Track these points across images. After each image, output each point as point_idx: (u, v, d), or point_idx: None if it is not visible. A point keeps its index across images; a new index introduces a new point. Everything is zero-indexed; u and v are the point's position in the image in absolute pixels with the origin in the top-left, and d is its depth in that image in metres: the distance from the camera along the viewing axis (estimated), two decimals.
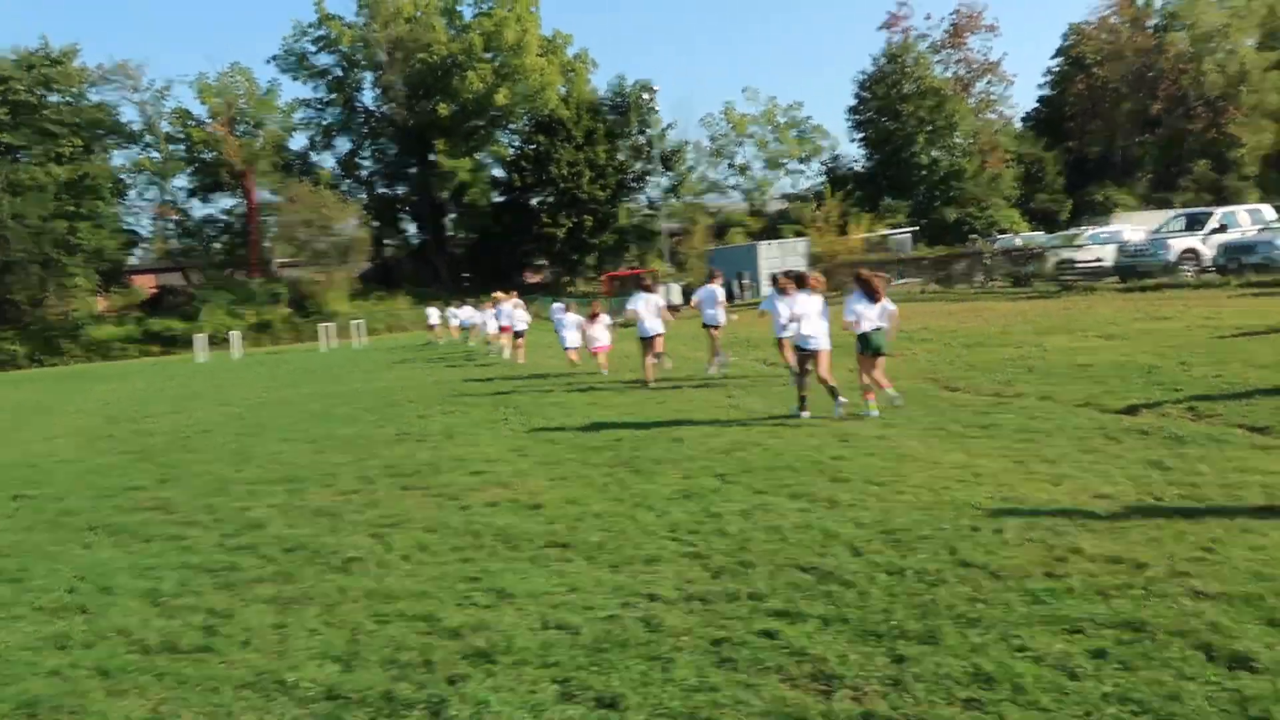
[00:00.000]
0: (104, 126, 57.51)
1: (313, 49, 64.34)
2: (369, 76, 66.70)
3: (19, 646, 5.18)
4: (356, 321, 43.87)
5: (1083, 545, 5.26)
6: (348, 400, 17.13)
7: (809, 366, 10.63)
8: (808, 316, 10.52)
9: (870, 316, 10.39)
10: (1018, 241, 36.93)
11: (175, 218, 60.88)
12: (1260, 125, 61.17)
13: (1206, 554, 4.98)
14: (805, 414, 10.45)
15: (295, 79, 67.10)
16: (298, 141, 66.48)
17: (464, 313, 34.00)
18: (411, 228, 71.44)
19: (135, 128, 59.27)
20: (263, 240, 60.49)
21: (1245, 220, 26.58)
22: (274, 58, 66.27)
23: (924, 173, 61.41)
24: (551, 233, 57.43)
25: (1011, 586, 4.75)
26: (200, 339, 42.38)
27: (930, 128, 61.47)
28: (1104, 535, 5.46)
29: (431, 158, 62.90)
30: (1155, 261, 25.74)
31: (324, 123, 67.61)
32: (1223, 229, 25.92)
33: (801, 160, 70.39)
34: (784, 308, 11.82)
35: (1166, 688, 3.54)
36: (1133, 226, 32.62)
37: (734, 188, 71.50)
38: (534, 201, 60.79)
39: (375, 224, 64.20)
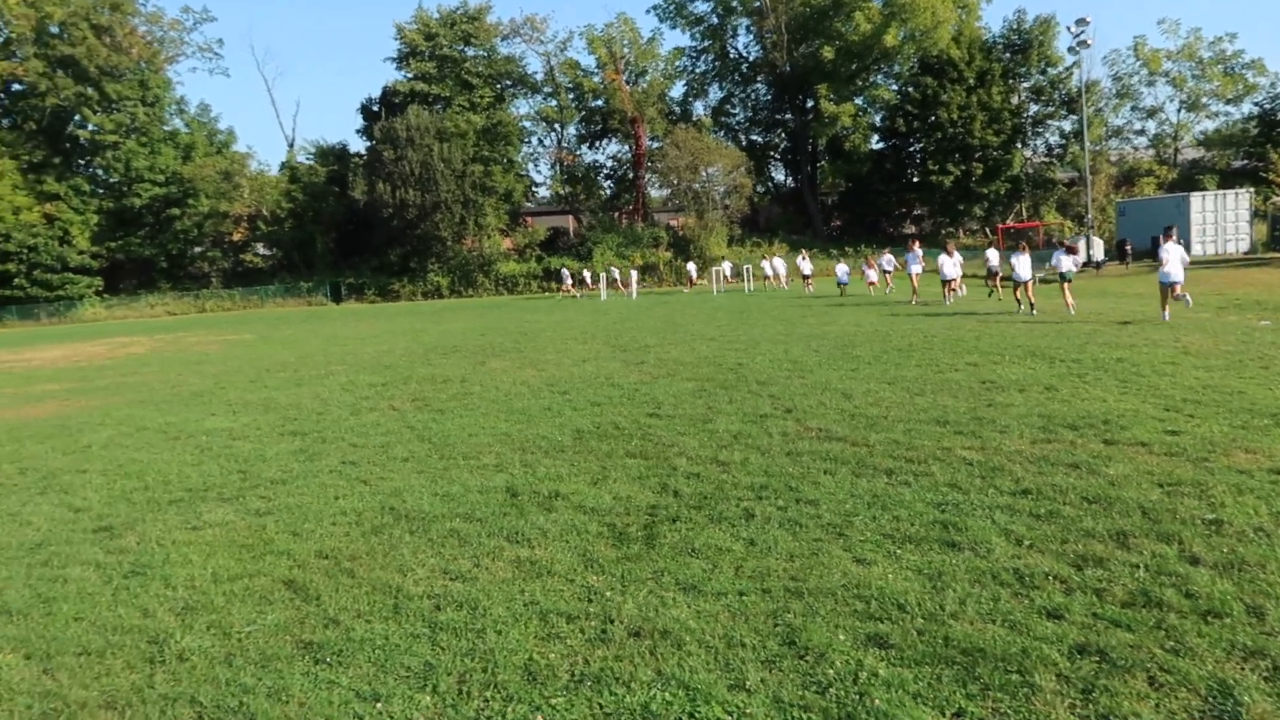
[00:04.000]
0: (512, 77, 62.59)
1: None
2: (744, 23, 66.93)
3: (956, 589, 4.88)
4: (748, 266, 44.35)
5: None
6: (839, 343, 16.66)
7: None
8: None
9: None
10: None
11: (569, 163, 65.01)
12: None
13: None
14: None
15: (674, 28, 68.98)
16: (675, 90, 68.49)
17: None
18: (779, 175, 71.39)
19: (538, 78, 63.91)
20: (647, 185, 63.09)
21: None
22: (654, 7, 68.41)
23: None
24: (937, 180, 54.42)
25: None
26: (603, 278, 44.95)
27: None
28: None
29: (809, 103, 62.03)
30: None
31: (698, 70, 68.95)
32: None
33: (1228, 101, 61.01)
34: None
35: None
36: None
37: (1139, 133, 63.78)
38: (915, 147, 57.95)
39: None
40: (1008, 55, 58.05)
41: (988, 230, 56.93)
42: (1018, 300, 21.22)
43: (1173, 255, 16.68)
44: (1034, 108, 59.70)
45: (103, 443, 10.88)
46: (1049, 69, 58.13)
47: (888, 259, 33.93)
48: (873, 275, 32.47)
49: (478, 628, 4.54)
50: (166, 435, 11.15)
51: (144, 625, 4.86)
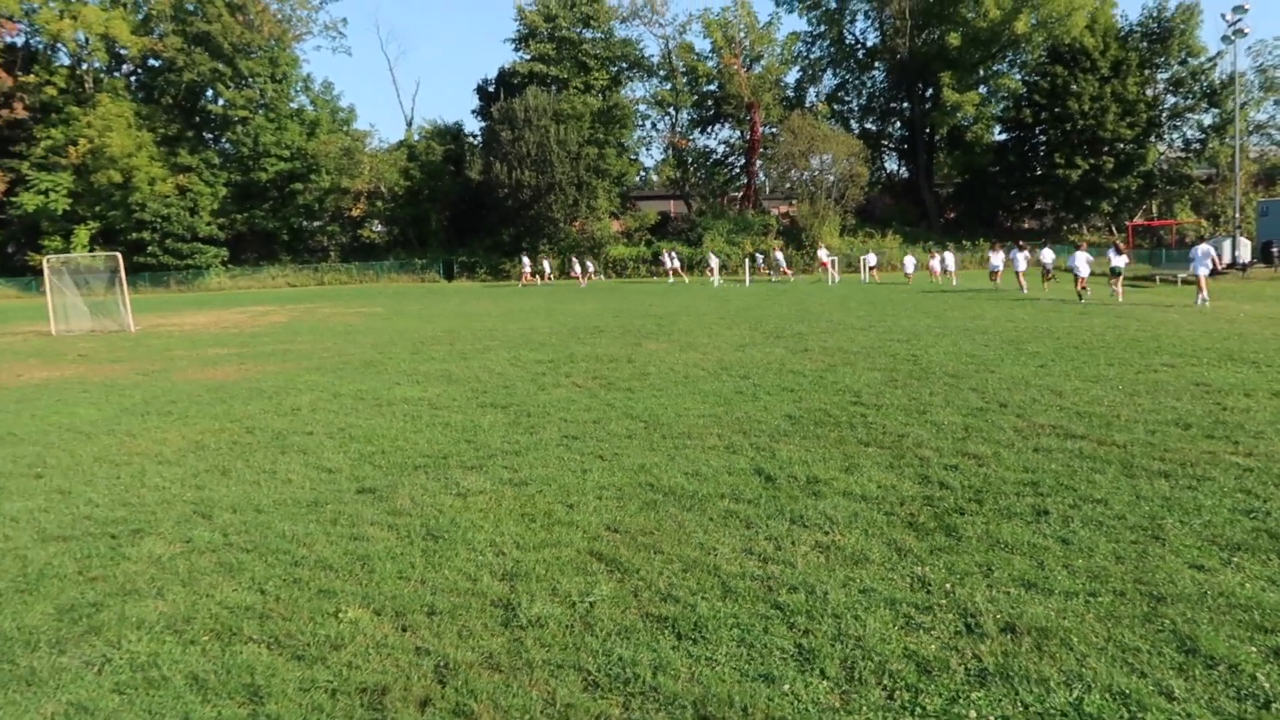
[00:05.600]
0: (628, 60, 62.60)
1: None
2: (862, 8, 65.55)
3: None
4: (867, 256, 43.51)
5: None
6: (1004, 338, 16.09)
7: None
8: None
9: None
10: None
11: (682, 147, 64.74)
12: None
13: None
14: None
15: (790, 12, 67.93)
16: (789, 76, 67.48)
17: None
18: (891, 165, 69.85)
19: (653, 61, 63.75)
20: (759, 172, 62.52)
21: None
22: None
23: None
24: (1064, 174, 52.41)
25: None
26: (715, 263, 44.71)
27: None
28: None
29: (928, 91, 60.48)
30: None
31: (813, 56, 67.82)
32: None
33: None
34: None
35: None
36: None
37: None
38: (1040, 139, 55.91)
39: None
40: (1145, 44, 55.50)
41: (1114, 228, 54.74)
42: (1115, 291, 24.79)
43: (1200, 254, 22.46)
44: (1171, 100, 57.02)
45: (308, 406, 11.21)
46: (1189, 59, 55.40)
47: (950, 256, 38.75)
48: (935, 265, 38.28)
49: (829, 613, 4.44)
50: (365, 402, 11.41)
51: (476, 589, 4.91)
